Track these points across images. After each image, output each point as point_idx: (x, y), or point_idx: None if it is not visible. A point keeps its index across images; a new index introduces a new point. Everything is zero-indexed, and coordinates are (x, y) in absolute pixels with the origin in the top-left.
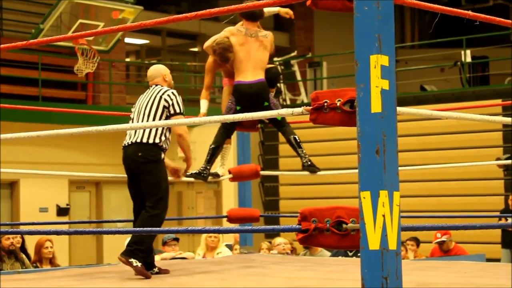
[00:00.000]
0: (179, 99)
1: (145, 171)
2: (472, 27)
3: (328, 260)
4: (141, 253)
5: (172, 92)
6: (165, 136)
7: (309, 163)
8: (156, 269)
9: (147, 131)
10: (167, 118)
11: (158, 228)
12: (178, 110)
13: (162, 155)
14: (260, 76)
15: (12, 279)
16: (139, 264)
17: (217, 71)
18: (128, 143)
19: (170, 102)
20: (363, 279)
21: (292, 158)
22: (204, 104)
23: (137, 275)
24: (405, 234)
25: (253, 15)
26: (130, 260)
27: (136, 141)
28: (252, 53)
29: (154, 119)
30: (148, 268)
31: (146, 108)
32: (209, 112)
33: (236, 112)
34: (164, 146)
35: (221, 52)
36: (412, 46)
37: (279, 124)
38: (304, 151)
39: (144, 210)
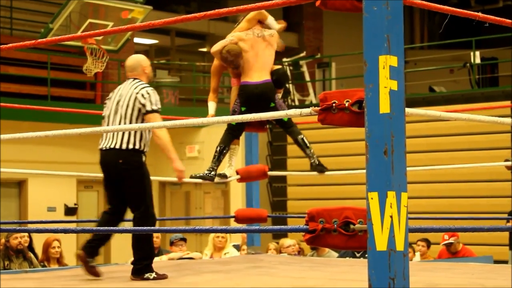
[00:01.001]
0: (155, 95)
1: (128, 178)
2: (482, 28)
3: (335, 261)
4: (151, 265)
5: (147, 91)
6: (146, 139)
7: (317, 162)
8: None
9: (126, 135)
10: (143, 117)
11: (165, 228)
12: (155, 108)
13: (144, 158)
14: (266, 76)
15: (20, 278)
16: (154, 275)
17: (225, 70)
18: (106, 147)
19: (144, 100)
20: (370, 280)
21: (300, 158)
22: (212, 106)
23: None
24: (416, 235)
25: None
26: (145, 276)
27: (115, 146)
28: (260, 54)
29: (130, 121)
30: (144, 272)
31: (122, 107)
32: (218, 113)
33: (241, 113)
34: (145, 149)
35: (233, 60)
36: (421, 47)
37: (286, 125)
38: (312, 151)
39: (134, 222)
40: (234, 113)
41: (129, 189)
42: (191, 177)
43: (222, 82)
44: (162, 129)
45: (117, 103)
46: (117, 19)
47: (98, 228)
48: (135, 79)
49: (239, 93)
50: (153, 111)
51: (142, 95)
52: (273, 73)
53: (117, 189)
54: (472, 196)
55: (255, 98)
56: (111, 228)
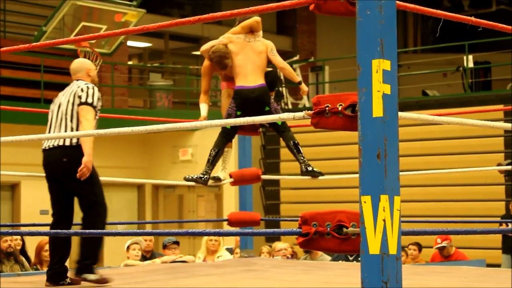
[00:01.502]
0: (95, 92)
1: (74, 175)
2: (475, 32)
3: (328, 264)
4: (93, 265)
5: (88, 86)
6: None
7: (308, 168)
8: (68, 280)
9: (68, 131)
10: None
11: (158, 231)
12: (89, 101)
13: None
14: (260, 80)
15: (12, 281)
16: (96, 276)
17: (215, 74)
18: (49, 146)
19: (81, 93)
20: (363, 283)
21: (293, 162)
22: (204, 108)
23: (99, 285)
24: (408, 239)
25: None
26: (84, 276)
27: (59, 144)
28: (251, 58)
29: (71, 117)
30: (59, 279)
31: (63, 105)
32: (210, 116)
33: (236, 117)
34: None
35: (218, 60)
36: (414, 51)
37: (279, 129)
38: (303, 156)
39: (84, 222)
40: (229, 116)
41: (77, 187)
42: (185, 179)
43: (214, 85)
44: (89, 123)
45: (59, 105)
46: (111, 22)
47: (91, 231)
48: (78, 80)
49: (234, 97)
50: (86, 103)
51: (82, 89)
52: (265, 75)
53: (63, 190)
54: (465, 199)
55: (251, 102)
56: (106, 231)
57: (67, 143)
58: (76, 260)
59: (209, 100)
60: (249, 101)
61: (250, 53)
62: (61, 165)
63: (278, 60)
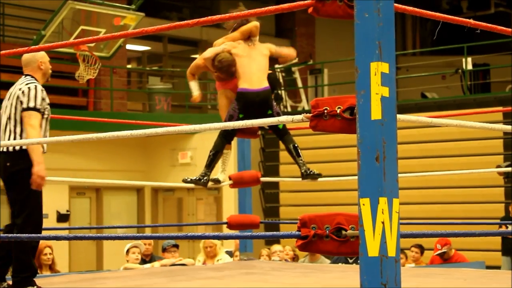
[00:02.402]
0: (38, 93)
1: (15, 181)
2: (474, 34)
3: (328, 267)
4: (30, 277)
5: (29, 86)
6: None
7: (308, 171)
8: (5, 284)
9: (12, 136)
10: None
11: (157, 234)
12: (31, 105)
13: None
14: (265, 83)
15: None
16: None
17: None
18: None
19: (23, 97)
20: (362, 286)
21: (292, 165)
22: (194, 85)
23: None
24: (409, 241)
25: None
26: None
27: (3, 150)
28: (256, 59)
29: (15, 122)
30: (22, 286)
31: (7, 108)
32: (208, 119)
33: (238, 119)
34: None
35: (227, 69)
36: (413, 53)
37: (280, 132)
38: (302, 160)
39: (16, 229)
40: (231, 118)
41: (14, 192)
42: (184, 181)
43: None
44: (34, 129)
45: (5, 108)
46: (110, 26)
47: (91, 235)
48: (27, 75)
49: (237, 98)
50: (28, 108)
51: (23, 92)
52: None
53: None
54: (465, 202)
55: (255, 105)
56: (105, 235)
57: (11, 149)
58: (12, 274)
59: (197, 78)
60: (253, 104)
61: (254, 55)
62: (6, 169)
63: (285, 50)
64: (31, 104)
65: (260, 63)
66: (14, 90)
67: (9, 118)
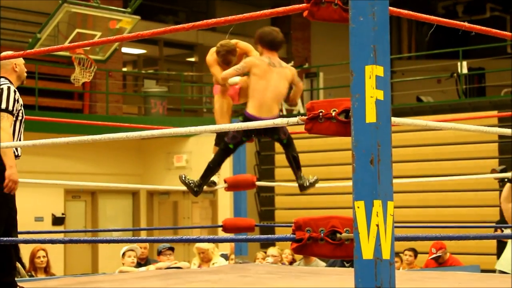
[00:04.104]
0: (11, 94)
1: None
2: (469, 38)
3: (323, 270)
4: (10, 284)
5: (2, 88)
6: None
7: (306, 183)
8: None
9: None
10: None
11: (153, 238)
12: (3, 106)
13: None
14: (275, 111)
15: None
16: None
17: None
18: None
19: None
20: None
21: (288, 168)
22: (234, 79)
23: None
24: (403, 245)
25: (273, 44)
26: None
27: None
28: (272, 84)
29: None
30: None
31: None
32: (204, 122)
33: (241, 143)
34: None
35: (224, 54)
36: (409, 57)
37: (285, 145)
38: (300, 171)
39: None
40: (233, 138)
41: None
42: (180, 177)
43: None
44: (4, 132)
45: None
46: (105, 29)
47: (86, 239)
48: (1, 77)
49: (243, 121)
50: (2, 109)
51: None
52: None
53: None
54: (460, 205)
55: (261, 132)
56: (100, 238)
57: None
58: None
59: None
60: (259, 132)
61: (273, 79)
62: None
63: (300, 83)
64: (3, 106)
65: (277, 89)
66: None
67: None
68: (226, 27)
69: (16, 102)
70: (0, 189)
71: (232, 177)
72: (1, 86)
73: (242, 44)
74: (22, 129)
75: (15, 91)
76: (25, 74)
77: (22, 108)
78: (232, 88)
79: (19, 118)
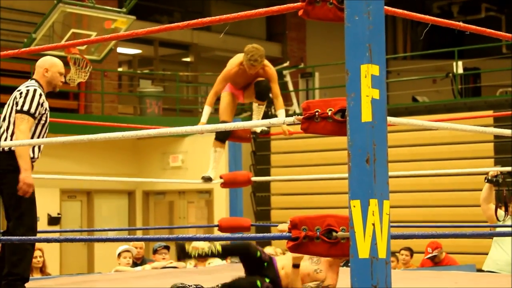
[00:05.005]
0: (35, 97)
1: (4, 182)
2: (464, 38)
3: None
4: (19, 281)
5: (28, 89)
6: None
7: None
8: None
9: (3, 137)
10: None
11: (148, 236)
12: (25, 108)
13: None
14: None
15: None
16: None
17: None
18: None
19: (18, 99)
20: (352, 287)
21: (284, 168)
22: (206, 112)
23: None
24: (399, 245)
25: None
26: None
27: None
28: None
29: (8, 124)
30: None
31: (5, 113)
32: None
33: None
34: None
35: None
36: (404, 57)
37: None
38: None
39: (9, 232)
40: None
41: (4, 194)
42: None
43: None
44: (22, 134)
45: (7, 104)
46: (101, 29)
47: (81, 237)
48: (32, 79)
49: None
50: (21, 111)
51: (20, 93)
52: (255, 84)
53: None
54: (456, 205)
55: None
56: (96, 237)
57: (0, 149)
58: (3, 275)
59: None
60: None
61: None
62: None
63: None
64: (25, 108)
65: None
66: (15, 92)
67: (4, 118)
68: (221, 26)
69: (39, 105)
70: (14, 178)
71: (228, 173)
72: (28, 88)
73: (271, 70)
74: (44, 134)
75: (40, 95)
76: (60, 82)
77: (47, 112)
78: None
79: (42, 122)
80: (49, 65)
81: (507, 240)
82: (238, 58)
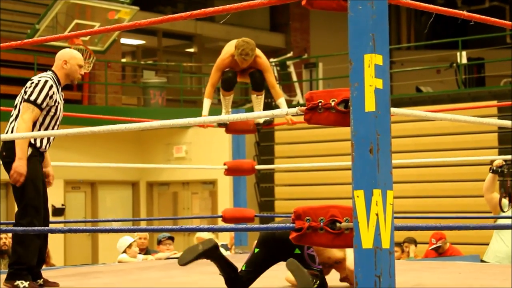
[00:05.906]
0: (45, 88)
1: (9, 170)
2: (468, 28)
3: None
4: (24, 271)
5: (39, 79)
6: (37, 131)
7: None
8: (41, 281)
9: (12, 125)
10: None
11: (152, 227)
12: (32, 98)
13: (31, 151)
14: None
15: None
16: (26, 284)
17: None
18: None
19: (27, 88)
20: (356, 278)
21: (287, 158)
22: (206, 104)
23: None
24: (403, 235)
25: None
26: (15, 283)
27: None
28: None
29: (18, 112)
30: (15, 278)
31: (16, 102)
32: (209, 113)
33: None
34: (35, 143)
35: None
36: (408, 47)
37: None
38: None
39: (15, 222)
40: None
41: (11, 184)
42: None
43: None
44: (24, 123)
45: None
46: (104, 20)
47: (85, 228)
48: (50, 70)
49: None
50: (28, 100)
51: (32, 83)
52: (250, 75)
53: None
54: (459, 195)
55: None
56: (99, 228)
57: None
58: (8, 264)
59: (213, 94)
60: None
61: None
62: (1, 158)
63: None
64: (32, 98)
65: None
66: (29, 80)
67: (16, 105)
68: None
69: (48, 97)
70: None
71: (232, 161)
72: (40, 79)
73: (263, 60)
74: (55, 126)
75: (51, 86)
76: (79, 75)
77: (58, 104)
78: None
79: (50, 113)
80: (68, 57)
81: (507, 232)
82: (230, 46)
